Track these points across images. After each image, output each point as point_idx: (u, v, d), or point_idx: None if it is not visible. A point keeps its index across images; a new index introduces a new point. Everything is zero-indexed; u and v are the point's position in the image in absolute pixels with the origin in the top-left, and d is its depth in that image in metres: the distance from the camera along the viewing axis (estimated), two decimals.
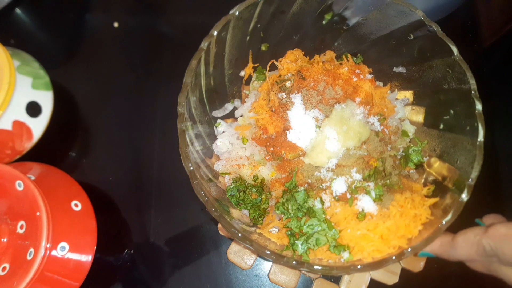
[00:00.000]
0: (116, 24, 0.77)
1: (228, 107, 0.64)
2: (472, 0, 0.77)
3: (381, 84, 0.63)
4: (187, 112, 0.48)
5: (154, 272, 0.61)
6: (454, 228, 0.44)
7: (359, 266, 0.42)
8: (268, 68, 0.62)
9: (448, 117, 0.52)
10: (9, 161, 0.62)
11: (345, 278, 0.58)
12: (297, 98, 0.56)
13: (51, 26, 0.78)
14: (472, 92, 0.47)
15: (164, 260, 0.61)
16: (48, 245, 0.47)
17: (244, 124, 0.60)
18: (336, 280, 0.59)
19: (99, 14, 0.79)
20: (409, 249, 0.43)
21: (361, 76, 0.58)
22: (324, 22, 0.59)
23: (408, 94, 0.60)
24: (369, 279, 0.58)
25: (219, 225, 0.61)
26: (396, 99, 0.61)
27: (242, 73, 0.64)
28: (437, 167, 0.52)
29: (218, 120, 0.61)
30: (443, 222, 0.43)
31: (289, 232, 0.50)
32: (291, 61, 0.61)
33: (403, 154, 0.56)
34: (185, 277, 0.60)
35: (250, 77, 0.64)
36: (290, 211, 0.51)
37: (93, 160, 0.68)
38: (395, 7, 0.53)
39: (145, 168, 0.67)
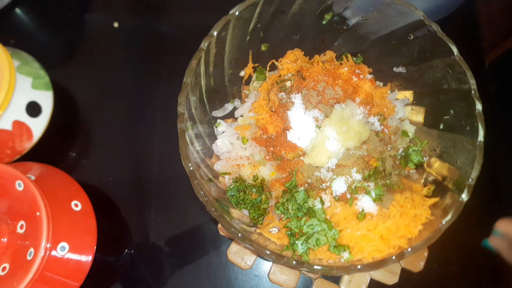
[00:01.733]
0: (116, 24, 0.77)
1: (228, 107, 0.64)
2: (472, 0, 0.77)
3: (381, 84, 0.63)
4: (187, 112, 0.48)
5: (154, 272, 0.61)
6: (455, 227, 0.44)
7: (359, 266, 0.42)
8: (268, 68, 0.62)
9: (448, 117, 0.52)
10: (9, 161, 0.62)
11: (345, 278, 0.58)
12: (297, 98, 0.56)
13: (51, 26, 0.78)
14: (472, 92, 0.47)
15: (164, 260, 0.61)
16: (48, 245, 0.47)
17: (244, 124, 0.60)
18: (336, 280, 0.59)
19: (99, 14, 0.79)
20: (409, 249, 0.43)
21: (361, 76, 0.58)
22: (324, 22, 0.59)
23: (408, 94, 0.60)
24: (369, 279, 0.58)
25: (219, 225, 0.61)
26: (396, 99, 0.61)
27: (242, 73, 0.64)
28: (437, 167, 0.52)
29: (218, 120, 0.61)
30: (443, 222, 0.43)
31: (289, 232, 0.50)
32: (291, 61, 0.61)
33: (403, 154, 0.56)
34: (185, 277, 0.60)
35: (250, 77, 0.64)
36: (290, 211, 0.51)
37: (93, 160, 0.68)
38: (395, 7, 0.53)
39: (145, 168, 0.67)
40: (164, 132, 0.69)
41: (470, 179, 0.44)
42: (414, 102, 0.60)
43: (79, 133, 0.70)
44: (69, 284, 0.52)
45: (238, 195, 0.55)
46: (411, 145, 0.56)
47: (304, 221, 0.49)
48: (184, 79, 0.48)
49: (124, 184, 0.66)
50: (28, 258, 0.47)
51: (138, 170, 0.67)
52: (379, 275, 0.58)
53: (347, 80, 0.57)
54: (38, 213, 0.48)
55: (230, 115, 0.63)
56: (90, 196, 0.58)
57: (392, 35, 0.56)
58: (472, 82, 0.48)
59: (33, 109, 0.62)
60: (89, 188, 0.58)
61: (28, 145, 0.62)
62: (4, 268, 0.48)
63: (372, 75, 0.60)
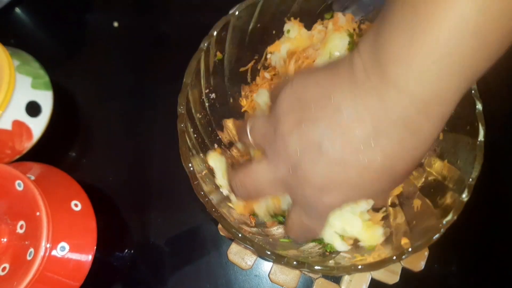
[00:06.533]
0: (116, 24, 0.77)
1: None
2: None
3: None
4: (186, 112, 0.48)
5: (154, 272, 0.61)
6: (455, 227, 0.44)
7: (359, 266, 0.42)
8: None
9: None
10: (9, 161, 0.62)
11: (346, 278, 0.58)
12: None
13: (51, 26, 0.78)
14: (472, 91, 0.47)
15: (164, 260, 0.61)
16: (48, 245, 0.47)
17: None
18: (337, 280, 0.59)
19: (99, 14, 0.79)
20: (410, 249, 0.43)
21: None
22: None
23: None
24: (370, 278, 0.58)
25: (219, 226, 0.61)
26: None
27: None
28: (437, 166, 0.52)
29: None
30: (444, 222, 0.43)
31: None
32: None
33: None
34: (185, 277, 0.60)
35: (249, 77, 0.64)
36: None
37: (93, 160, 0.68)
38: None
39: (145, 168, 0.67)
40: (164, 132, 0.69)
41: (470, 179, 0.44)
42: None
43: (79, 133, 0.70)
44: (69, 284, 0.52)
45: None
46: None
47: None
48: (184, 79, 0.48)
49: (124, 184, 0.66)
50: (28, 258, 0.47)
51: (138, 170, 0.67)
52: (380, 274, 0.58)
53: None
54: (38, 213, 0.48)
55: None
56: (90, 196, 0.58)
57: None
58: None
59: (33, 109, 0.62)
60: (89, 188, 0.58)
61: (28, 145, 0.62)
62: (4, 268, 0.48)
63: None
